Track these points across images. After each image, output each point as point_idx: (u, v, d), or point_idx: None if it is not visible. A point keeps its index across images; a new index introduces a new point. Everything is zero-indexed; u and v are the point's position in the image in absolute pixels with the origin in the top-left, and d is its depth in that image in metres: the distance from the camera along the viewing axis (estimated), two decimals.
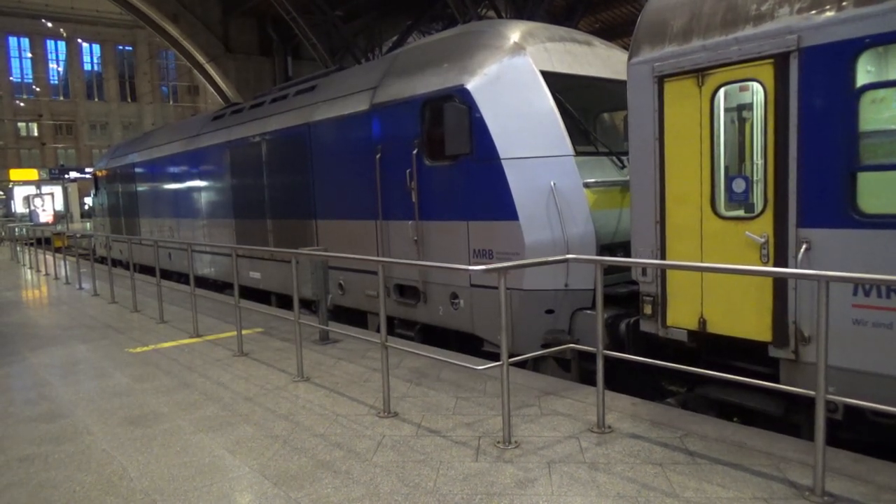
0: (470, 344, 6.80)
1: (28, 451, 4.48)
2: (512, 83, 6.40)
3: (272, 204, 10.01)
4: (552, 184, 6.03)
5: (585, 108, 6.80)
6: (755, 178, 4.72)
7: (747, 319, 4.62)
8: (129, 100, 59.69)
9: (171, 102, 61.66)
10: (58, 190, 41.24)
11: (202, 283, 12.58)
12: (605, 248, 6.12)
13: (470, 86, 6.41)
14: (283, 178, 9.64)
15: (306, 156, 8.98)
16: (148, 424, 4.89)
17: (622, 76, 6.93)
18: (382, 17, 27.88)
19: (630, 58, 5.25)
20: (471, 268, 4.29)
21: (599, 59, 7.18)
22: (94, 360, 7.03)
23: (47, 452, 4.44)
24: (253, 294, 10.81)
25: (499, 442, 4.22)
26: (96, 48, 58.06)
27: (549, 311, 6.09)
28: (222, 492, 3.72)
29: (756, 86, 4.58)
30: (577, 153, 6.21)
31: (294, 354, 6.06)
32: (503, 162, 6.15)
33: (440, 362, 6.11)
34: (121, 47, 59.00)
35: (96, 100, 57.99)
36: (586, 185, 6.12)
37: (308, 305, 9.11)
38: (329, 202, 8.68)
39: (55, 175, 48.39)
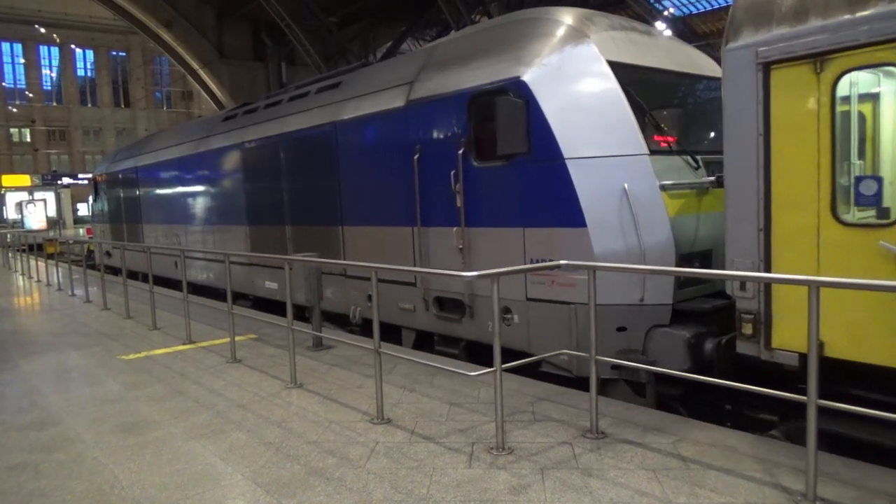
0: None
1: (19, 460, 4.45)
2: (576, 74, 5.79)
3: (292, 209, 9.32)
4: (625, 186, 5.44)
5: (654, 102, 6.18)
6: (890, 178, 4.12)
7: (879, 342, 3.97)
8: (123, 105, 59.65)
9: (164, 108, 61.65)
10: (50, 196, 41.06)
11: (213, 293, 12.09)
12: (682, 259, 5.52)
13: (527, 77, 5.79)
14: (305, 182, 8.99)
15: (332, 157, 8.36)
16: (140, 432, 4.87)
17: (688, 69, 6.55)
18: (377, 24, 27.98)
19: (726, 42, 4.60)
20: (464, 274, 4.29)
21: (662, 50, 6.58)
22: (86, 367, 6.99)
23: (38, 461, 4.41)
24: (268, 305, 10.25)
25: (492, 448, 4.21)
26: (90, 54, 58.00)
27: (621, 329, 5.48)
28: (214, 499, 3.70)
29: (893, 71, 4.01)
30: (651, 152, 5.62)
31: (287, 361, 6.05)
32: (568, 162, 5.53)
33: (434, 368, 6.09)
34: (114, 53, 58.98)
35: (89, 105, 57.93)
36: (663, 188, 5.51)
37: (335, 319, 8.73)
38: (358, 207, 8.01)
39: (48, 181, 48.23)
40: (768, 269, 4.48)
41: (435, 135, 6.74)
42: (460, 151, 6.37)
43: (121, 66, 59.53)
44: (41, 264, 18.77)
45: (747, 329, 4.61)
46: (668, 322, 5.40)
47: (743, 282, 4.57)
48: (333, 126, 8.28)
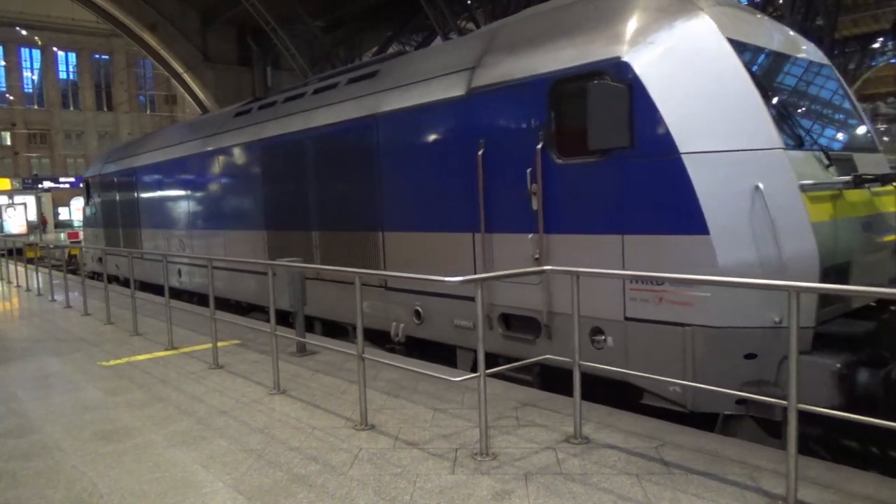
0: (615, 392, 5.30)
1: None
2: (691, 54, 5.02)
3: (320, 213, 8.43)
4: (758, 186, 4.64)
5: (776, 89, 5.40)
6: None
7: None
8: (106, 109, 59.08)
9: (148, 112, 61.16)
10: (31, 200, 40.57)
11: (224, 304, 10.84)
12: (825, 274, 4.70)
13: (630, 58, 4.99)
14: (337, 182, 8.08)
15: (371, 154, 7.44)
16: (120, 439, 4.80)
17: (799, 53, 5.95)
18: (363, 29, 27.99)
19: None
20: (448, 279, 4.27)
21: (770, 31, 5.82)
22: (66, 373, 6.89)
23: (15, 469, 4.34)
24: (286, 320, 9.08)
25: (476, 454, 4.20)
26: (72, 56, 57.44)
27: (750, 356, 4.63)
28: None
29: None
30: (787, 146, 4.81)
31: (270, 367, 6.00)
32: (684, 157, 4.73)
33: (418, 374, 6.07)
34: (97, 56, 58.44)
35: (72, 109, 57.30)
36: (803, 189, 4.69)
37: (370, 336, 7.74)
38: (403, 211, 7.13)
39: (28, 185, 47.68)
40: None
41: (505, 127, 5.92)
42: (539, 146, 5.55)
43: (104, 70, 59.00)
44: (21, 269, 18.51)
45: None
46: (810, 348, 4.56)
47: None
48: (373, 119, 7.40)
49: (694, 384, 4.10)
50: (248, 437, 4.74)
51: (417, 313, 7.09)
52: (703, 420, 4.85)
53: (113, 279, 15.96)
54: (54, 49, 54.98)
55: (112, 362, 7.32)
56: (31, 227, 37.49)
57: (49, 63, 55.97)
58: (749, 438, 4.62)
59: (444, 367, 6.31)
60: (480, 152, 6.07)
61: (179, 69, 31.23)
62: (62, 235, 35.28)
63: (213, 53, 31.33)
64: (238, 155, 10.23)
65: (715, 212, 4.65)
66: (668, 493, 3.57)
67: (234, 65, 31.93)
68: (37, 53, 55.54)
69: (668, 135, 4.80)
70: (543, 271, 4.57)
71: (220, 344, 7.28)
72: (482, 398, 4.11)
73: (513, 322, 6.09)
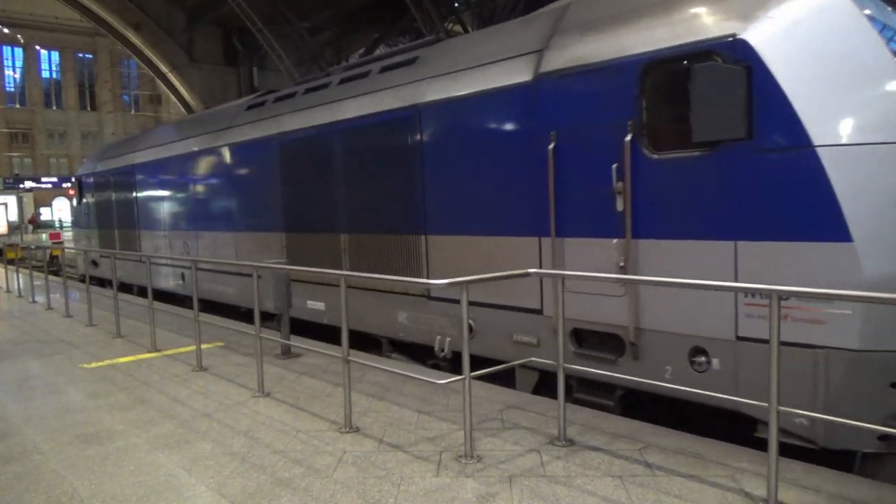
0: (715, 418, 4.75)
1: None
2: (823, 30, 4.33)
3: (349, 213, 7.73)
4: None
5: None
6: None
7: None
8: (89, 108, 58.54)
9: (132, 111, 60.65)
10: (12, 200, 40.05)
11: (231, 311, 10.43)
12: None
13: (749, 35, 4.29)
14: (370, 179, 7.40)
15: (412, 148, 6.79)
16: (101, 443, 4.76)
17: None
18: (350, 31, 27.95)
19: None
20: (432, 281, 4.26)
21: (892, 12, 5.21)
22: (47, 375, 6.81)
23: None
24: (310, 330, 8.51)
25: (460, 456, 4.20)
26: (55, 55, 56.88)
27: None
28: None
29: None
30: None
31: (255, 369, 5.97)
32: (819, 150, 4.06)
33: (403, 376, 6.06)
34: (81, 55, 57.91)
35: (54, 108, 56.72)
36: None
37: (406, 349, 7.39)
38: (450, 211, 6.47)
39: (9, 184, 47.13)
40: None
41: (583, 117, 5.24)
42: (627, 138, 4.89)
43: (87, 69, 58.48)
44: (1, 270, 18.28)
45: None
46: None
47: None
48: (415, 110, 6.74)
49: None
50: (232, 440, 4.71)
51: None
52: (835, 457, 4.24)
53: (108, 283, 15.72)
54: (37, 47, 54.40)
55: (94, 364, 7.24)
56: (12, 227, 37.02)
57: (31, 61, 55.37)
58: (893, 480, 3.97)
59: (430, 370, 6.31)
60: (551, 146, 5.42)
61: (164, 69, 30.99)
62: (43, 236, 34.86)
63: (199, 53, 31.10)
64: (252, 150, 9.51)
65: (859, 215, 4.00)
66: (651, 494, 3.60)
67: (219, 65, 31.70)
68: (19, 52, 54.95)
69: (798, 124, 4.14)
70: (528, 274, 4.57)
71: (203, 346, 7.23)
72: (467, 400, 4.11)
73: (588, 339, 5.43)
